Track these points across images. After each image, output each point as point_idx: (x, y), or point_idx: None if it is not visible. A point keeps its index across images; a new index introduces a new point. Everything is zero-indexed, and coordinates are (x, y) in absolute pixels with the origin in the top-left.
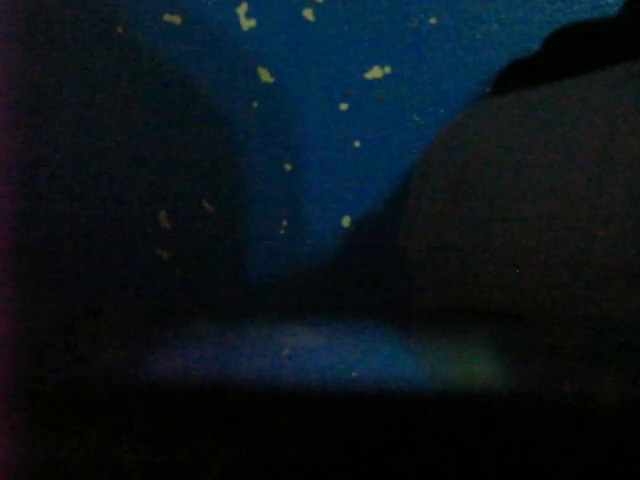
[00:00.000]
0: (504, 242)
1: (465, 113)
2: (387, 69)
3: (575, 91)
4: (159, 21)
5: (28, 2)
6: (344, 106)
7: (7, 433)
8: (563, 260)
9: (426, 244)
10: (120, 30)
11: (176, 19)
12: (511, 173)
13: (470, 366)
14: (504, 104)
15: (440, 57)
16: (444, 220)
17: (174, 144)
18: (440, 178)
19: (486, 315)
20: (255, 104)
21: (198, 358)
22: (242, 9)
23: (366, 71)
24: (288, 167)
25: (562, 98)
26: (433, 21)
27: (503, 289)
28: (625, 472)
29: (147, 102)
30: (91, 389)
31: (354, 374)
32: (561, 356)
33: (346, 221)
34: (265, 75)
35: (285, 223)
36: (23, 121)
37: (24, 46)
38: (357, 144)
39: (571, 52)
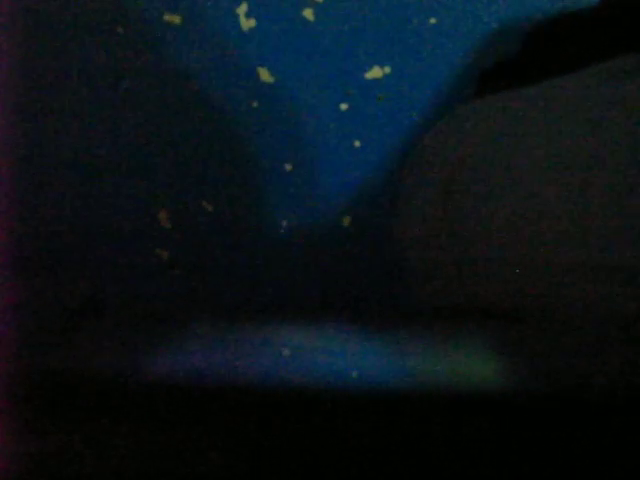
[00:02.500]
0: (498, 244)
1: (450, 117)
2: (387, 69)
3: (560, 90)
4: (159, 21)
5: (28, 2)
6: (344, 106)
7: (7, 432)
8: (559, 259)
9: (422, 248)
10: (120, 30)
11: (176, 19)
12: (500, 177)
13: (470, 365)
14: (489, 106)
15: (440, 57)
16: (438, 224)
17: (174, 144)
18: (430, 183)
19: (486, 315)
20: (255, 104)
21: (198, 358)
22: (242, 9)
23: (366, 71)
24: (288, 167)
25: (547, 98)
26: (433, 21)
27: (501, 289)
28: (622, 467)
29: (147, 102)
30: (91, 389)
31: (354, 374)
32: (559, 354)
33: (346, 221)
34: (265, 75)
35: (285, 223)
36: (23, 121)
37: (24, 46)
38: (357, 144)
39: (551, 49)
